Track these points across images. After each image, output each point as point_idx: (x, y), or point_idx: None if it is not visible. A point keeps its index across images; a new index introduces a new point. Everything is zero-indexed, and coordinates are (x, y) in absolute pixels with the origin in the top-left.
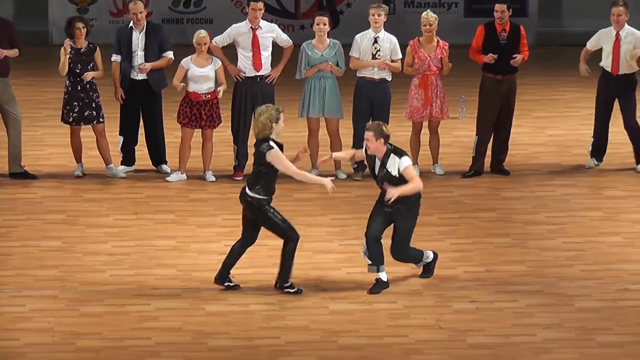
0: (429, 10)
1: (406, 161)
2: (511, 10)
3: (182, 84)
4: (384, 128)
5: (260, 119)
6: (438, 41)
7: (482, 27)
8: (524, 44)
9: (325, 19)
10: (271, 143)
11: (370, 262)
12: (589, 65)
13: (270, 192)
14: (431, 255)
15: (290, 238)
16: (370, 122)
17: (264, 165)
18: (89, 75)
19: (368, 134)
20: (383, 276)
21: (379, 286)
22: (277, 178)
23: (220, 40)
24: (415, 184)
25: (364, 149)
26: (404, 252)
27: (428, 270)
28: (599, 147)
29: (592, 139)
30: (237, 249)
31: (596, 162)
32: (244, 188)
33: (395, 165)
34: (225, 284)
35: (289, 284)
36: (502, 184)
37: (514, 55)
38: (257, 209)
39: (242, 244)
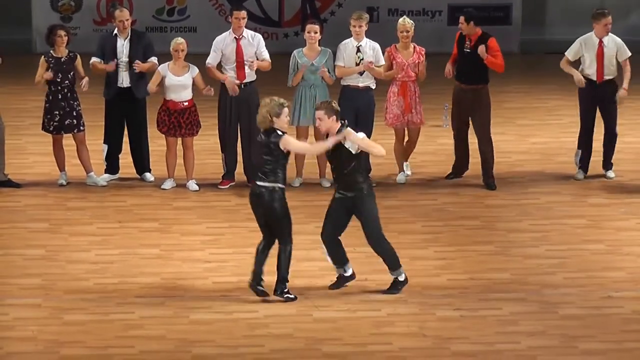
0: (405, 17)
1: (361, 134)
2: (472, 22)
3: (157, 87)
4: (333, 104)
5: (261, 111)
6: (415, 47)
7: (458, 34)
8: (493, 55)
9: (317, 27)
10: (279, 132)
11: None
12: (563, 75)
13: (284, 181)
14: (350, 272)
15: (290, 240)
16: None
17: (277, 153)
18: (85, 85)
19: (319, 113)
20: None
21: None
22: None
23: (214, 58)
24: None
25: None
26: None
27: (343, 281)
28: (585, 158)
29: (579, 151)
30: (261, 252)
31: (584, 174)
32: (253, 187)
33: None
34: (259, 288)
35: (287, 289)
36: (485, 192)
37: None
38: (269, 200)
39: (265, 245)
